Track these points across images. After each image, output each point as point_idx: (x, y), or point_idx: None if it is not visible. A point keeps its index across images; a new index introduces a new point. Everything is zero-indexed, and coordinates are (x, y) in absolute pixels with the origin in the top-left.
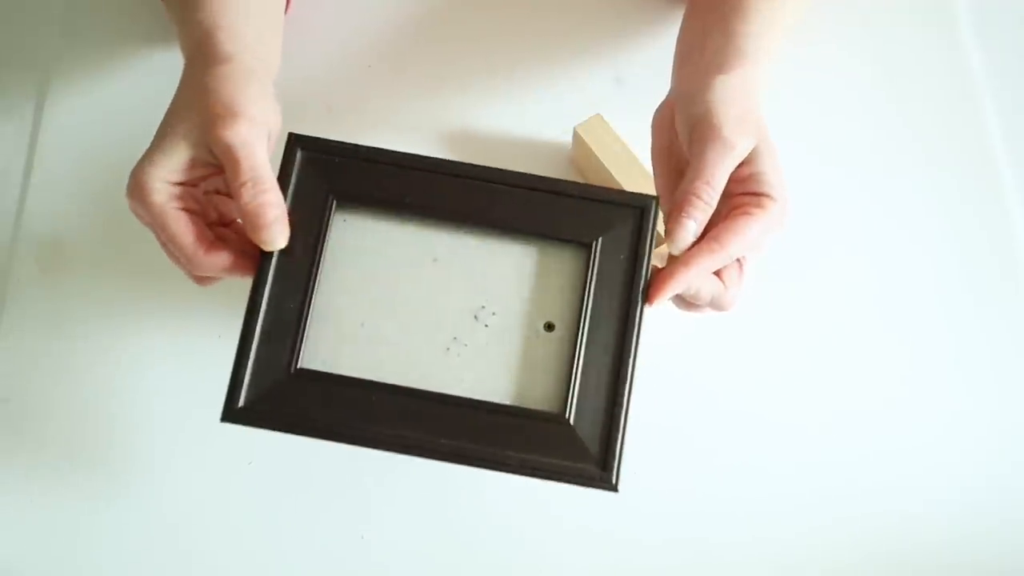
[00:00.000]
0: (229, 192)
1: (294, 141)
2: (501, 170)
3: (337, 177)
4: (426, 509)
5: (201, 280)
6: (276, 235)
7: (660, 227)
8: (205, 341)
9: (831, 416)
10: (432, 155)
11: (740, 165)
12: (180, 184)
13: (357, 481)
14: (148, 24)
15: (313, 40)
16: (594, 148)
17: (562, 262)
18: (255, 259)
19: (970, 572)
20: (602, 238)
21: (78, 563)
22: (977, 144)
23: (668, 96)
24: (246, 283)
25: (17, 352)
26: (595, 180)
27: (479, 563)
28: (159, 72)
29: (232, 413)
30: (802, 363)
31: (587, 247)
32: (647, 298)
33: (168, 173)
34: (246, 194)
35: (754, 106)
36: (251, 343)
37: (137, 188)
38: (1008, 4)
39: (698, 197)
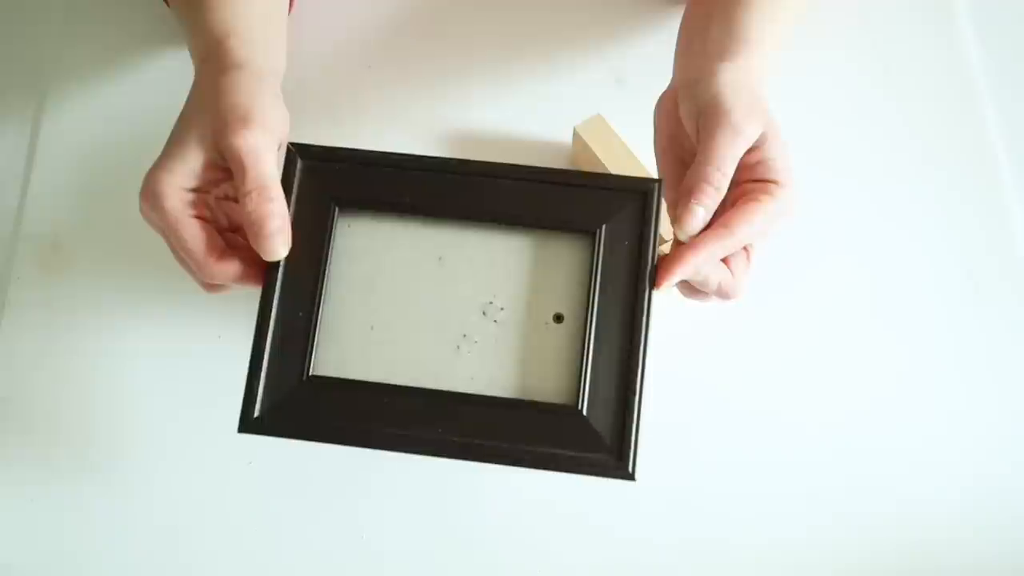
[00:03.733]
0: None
1: (294, 151)
2: (500, 164)
3: (338, 183)
4: (426, 509)
5: (211, 288)
6: (277, 246)
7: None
8: (205, 341)
9: (832, 414)
10: (432, 155)
11: (748, 151)
12: (193, 190)
13: (357, 481)
14: (148, 25)
15: (313, 40)
16: (594, 148)
17: (567, 252)
18: (264, 268)
19: (970, 572)
20: (606, 225)
21: (78, 563)
22: (977, 144)
23: (670, 85)
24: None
25: (17, 352)
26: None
27: (480, 563)
28: (159, 73)
29: (249, 424)
30: (803, 361)
31: (591, 235)
32: (655, 282)
33: (182, 179)
34: (250, 203)
35: (760, 93)
36: (263, 354)
37: (151, 194)
38: (1008, 4)
39: (708, 183)
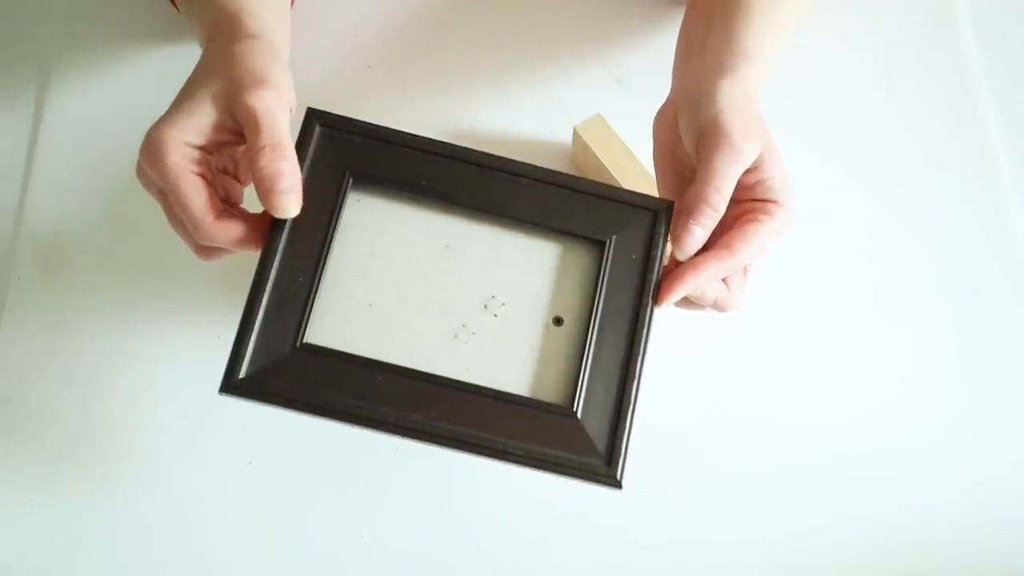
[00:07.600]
0: (240, 166)
1: (313, 116)
2: (520, 163)
3: (354, 156)
4: (426, 508)
5: (204, 251)
6: (289, 203)
7: None
8: (205, 341)
9: (832, 415)
10: (454, 143)
11: (747, 171)
12: (197, 148)
13: (357, 480)
14: (149, 21)
15: (313, 40)
16: (594, 148)
17: (574, 258)
18: (263, 235)
19: (970, 572)
20: (615, 237)
21: (78, 563)
22: (977, 144)
23: (670, 96)
24: (245, 282)
25: (17, 352)
26: (595, 180)
27: (480, 562)
28: (160, 69)
29: (231, 385)
30: (803, 363)
31: (600, 245)
32: (656, 299)
33: (187, 134)
34: (263, 159)
35: (758, 110)
36: (256, 315)
37: (152, 148)
38: (1008, 4)
39: (708, 204)
